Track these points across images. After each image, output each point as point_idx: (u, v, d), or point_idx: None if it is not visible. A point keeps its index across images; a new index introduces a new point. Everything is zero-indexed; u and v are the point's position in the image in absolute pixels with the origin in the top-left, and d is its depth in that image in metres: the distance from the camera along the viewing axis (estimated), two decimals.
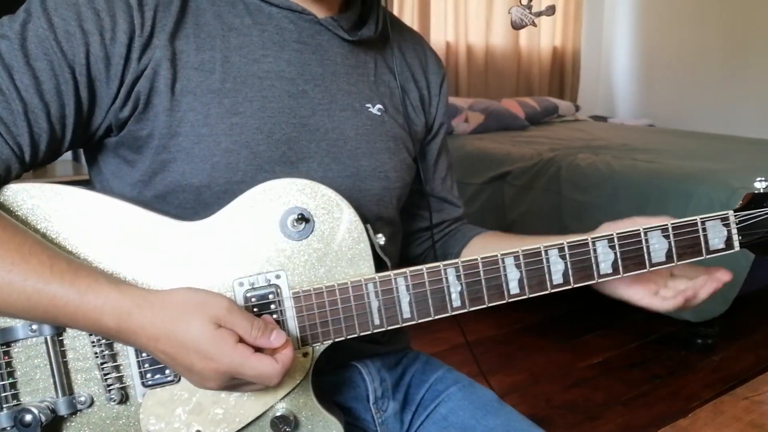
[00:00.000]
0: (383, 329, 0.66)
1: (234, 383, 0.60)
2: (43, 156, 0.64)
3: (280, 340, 0.60)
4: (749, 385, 0.99)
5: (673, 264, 0.71)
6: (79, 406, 0.62)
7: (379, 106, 0.79)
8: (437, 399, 0.84)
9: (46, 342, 0.61)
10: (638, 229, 0.70)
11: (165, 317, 0.57)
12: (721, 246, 0.72)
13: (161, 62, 0.65)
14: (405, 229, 0.90)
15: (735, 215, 0.72)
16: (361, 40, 0.78)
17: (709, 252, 0.72)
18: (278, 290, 0.64)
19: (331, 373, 0.78)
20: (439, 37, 3.82)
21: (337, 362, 0.79)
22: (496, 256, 0.67)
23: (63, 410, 0.62)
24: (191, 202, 0.68)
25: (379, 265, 0.68)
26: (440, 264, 0.67)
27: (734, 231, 0.72)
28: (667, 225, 0.70)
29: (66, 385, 0.62)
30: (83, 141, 0.69)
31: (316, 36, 0.74)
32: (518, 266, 0.68)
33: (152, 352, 0.59)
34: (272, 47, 0.71)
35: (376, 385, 0.81)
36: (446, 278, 0.67)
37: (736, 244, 0.72)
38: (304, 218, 0.64)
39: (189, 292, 0.60)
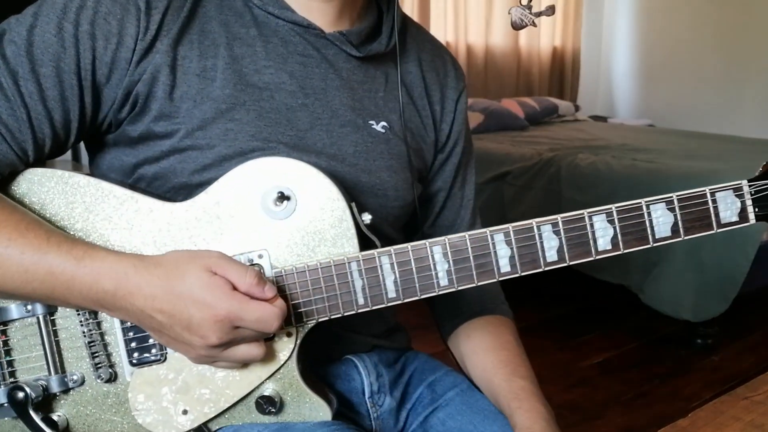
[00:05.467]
0: (368, 308, 0.66)
1: (234, 335, 0.60)
2: (47, 156, 0.66)
3: (272, 291, 0.60)
4: (749, 385, 0.99)
5: (680, 238, 0.66)
6: (71, 384, 0.64)
7: (383, 123, 0.77)
8: (435, 402, 0.83)
9: (38, 321, 0.63)
10: (640, 202, 0.65)
11: (161, 273, 0.59)
12: (735, 219, 0.66)
13: (161, 68, 0.65)
14: None
15: (750, 185, 0.66)
16: (370, 55, 0.76)
17: (720, 225, 0.66)
18: (260, 270, 0.64)
19: (327, 364, 0.78)
20: (438, 37, 3.72)
21: (334, 355, 0.79)
22: (485, 232, 0.65)
23: (55, 388, 0.63)
24: (181, 194, 0.68)
25: (366, 245, 0.66)
26: (426, 242, 0.65)
27: (749, 202, 0.66)
28: (672, 197, 0.65)
29: (58, 364, 0.63)
30: (87, 137, 0.70)
31: (322, 50, 0.73)
32: (509, 243, 0.65)
33: (149, 314, 0.59)
34: (275, 59, 0.70)
35: (372, 379, 0.81)
36: (432, 256, 0.64)
37: (752, 216, 0.66)
38: (284, 196, 0.64)
39: (181, 251, 0.63)
